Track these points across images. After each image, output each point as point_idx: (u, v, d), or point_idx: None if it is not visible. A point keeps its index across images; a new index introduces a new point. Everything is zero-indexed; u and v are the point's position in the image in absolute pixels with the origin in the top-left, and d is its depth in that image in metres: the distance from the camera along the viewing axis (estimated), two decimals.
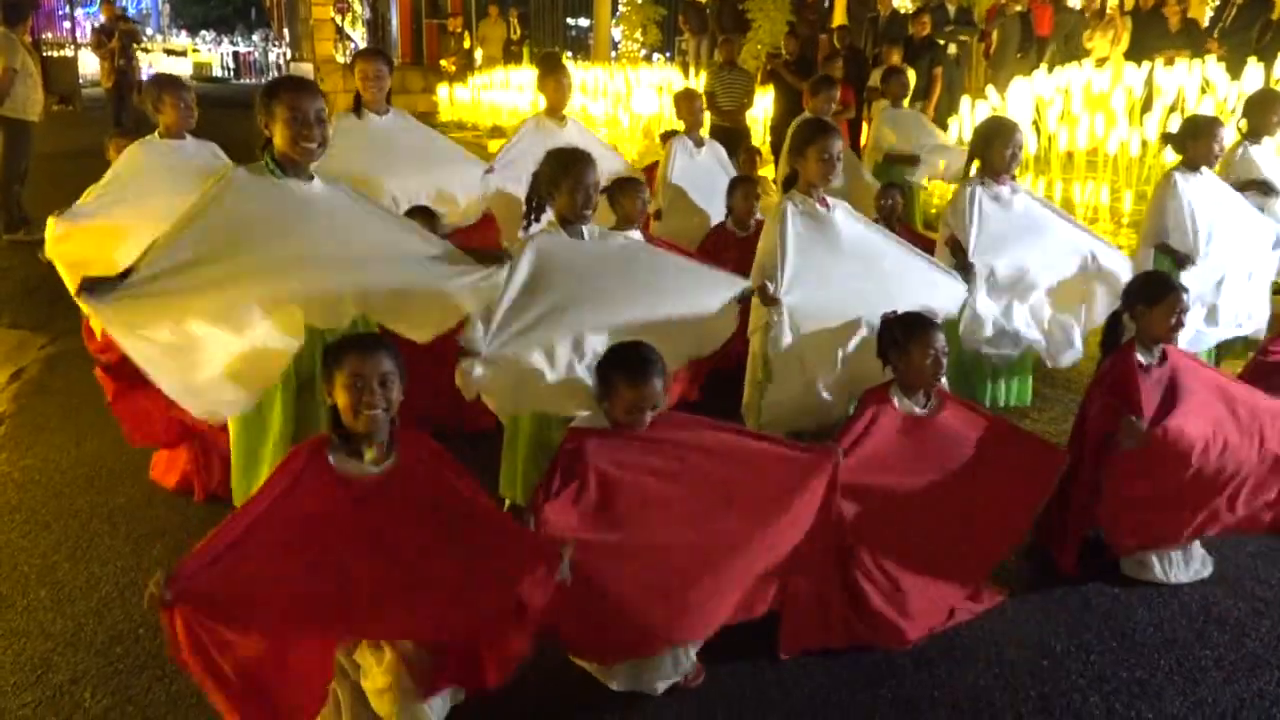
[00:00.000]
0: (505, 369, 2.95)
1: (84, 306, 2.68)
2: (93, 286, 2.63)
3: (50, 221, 3.87)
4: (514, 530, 2.40)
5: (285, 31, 31.39)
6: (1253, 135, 4.85)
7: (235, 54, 41.99)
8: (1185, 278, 3.93)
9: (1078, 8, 12.01)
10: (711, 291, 3.28)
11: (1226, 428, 3.24)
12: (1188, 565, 3.37)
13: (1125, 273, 3.98)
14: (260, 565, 2.15)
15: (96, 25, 15.80)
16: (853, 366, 3.41)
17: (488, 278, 3.03)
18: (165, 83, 4.40)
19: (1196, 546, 3.41)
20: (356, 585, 2.20)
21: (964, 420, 3.13)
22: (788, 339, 3.30)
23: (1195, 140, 4.39)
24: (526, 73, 15.06)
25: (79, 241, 3.89)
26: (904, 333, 3.05)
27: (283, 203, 2.88)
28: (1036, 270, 3.92)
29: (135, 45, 12.97)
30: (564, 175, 3.13)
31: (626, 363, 2.61)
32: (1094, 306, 4.02)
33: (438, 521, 2.33)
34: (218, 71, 38.86)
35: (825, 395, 3.43)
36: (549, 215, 3.26)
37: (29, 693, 2.72)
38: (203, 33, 50.82)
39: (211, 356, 2.79)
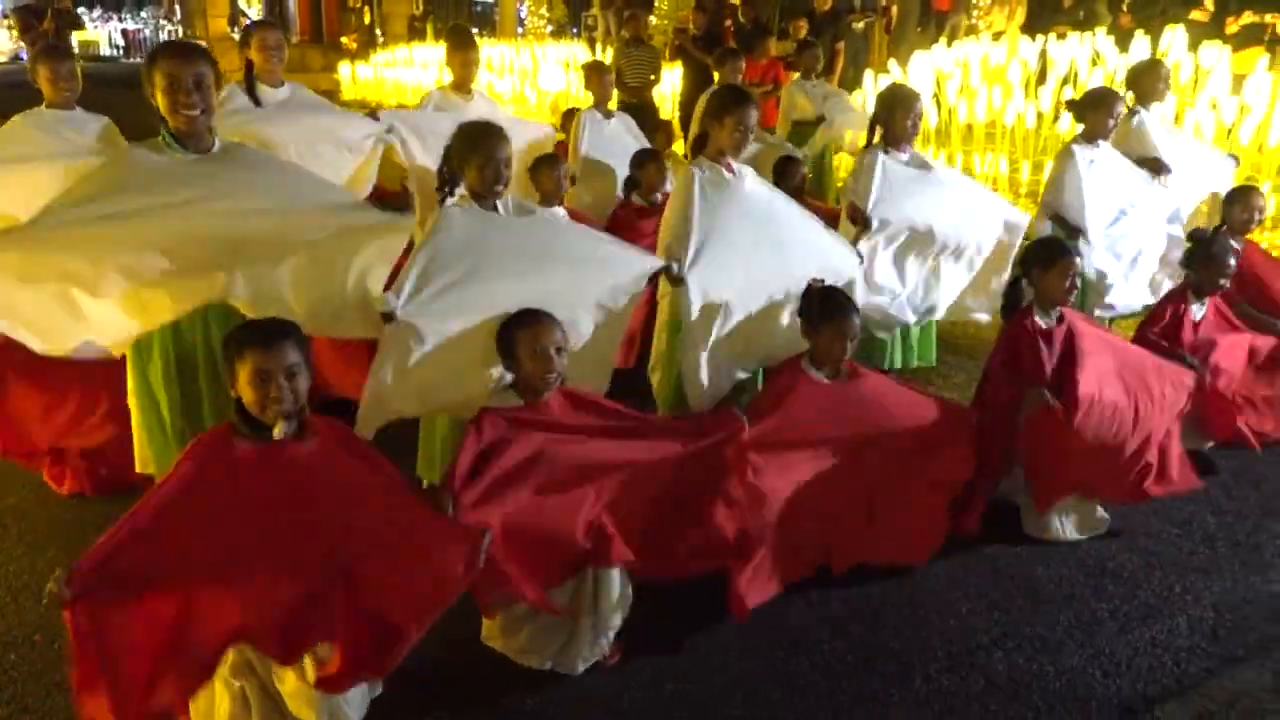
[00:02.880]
0: (412, 371, 2.86)
1: None
2: None
3: None
4: (433, 517, 2.37)
5: (176, 7, 30.21)
6: (1141, 103, 4.94)
7: (124, 31, 40.19)
8: (1085, 249, 4.14)
9: None
10: (625, 269, 3.24)
11: (1121, 385, 3.40)
12: (1085, 523, 3.52)
13: (1024, 228, 4.18)
14: (168, 547, 2.09)
15: (19, 4, 14.01)
16: (759, 332, 3.45)
17: (393, 220, 3.03)
18: (40, 53, 4.21)
19: (1095, 505, 3.55)
20: (267, 557, 2.15)
21: (877, 386, 3.24)
22: (695, 313, 3.31)
23: (1094, 111, 4.48)
24: (431, 50, 14.76)
25: None
26: (820, 312, 3.12)
27: (172, 175, 2.75)
28: (942, 229, 4.01)
29: (71, 29, 11.24)
30: (472, 151, 3.06)
31: (520, 315, 2.74)
32: (1003, 263, 4.19)
33: (350, 499, 2.29)
34: (105, 50, 37.14)
35: (733, 362, 3.46)
36: (462, 189, 3.20)
37: None
38: (83, 9, 48.55)
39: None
